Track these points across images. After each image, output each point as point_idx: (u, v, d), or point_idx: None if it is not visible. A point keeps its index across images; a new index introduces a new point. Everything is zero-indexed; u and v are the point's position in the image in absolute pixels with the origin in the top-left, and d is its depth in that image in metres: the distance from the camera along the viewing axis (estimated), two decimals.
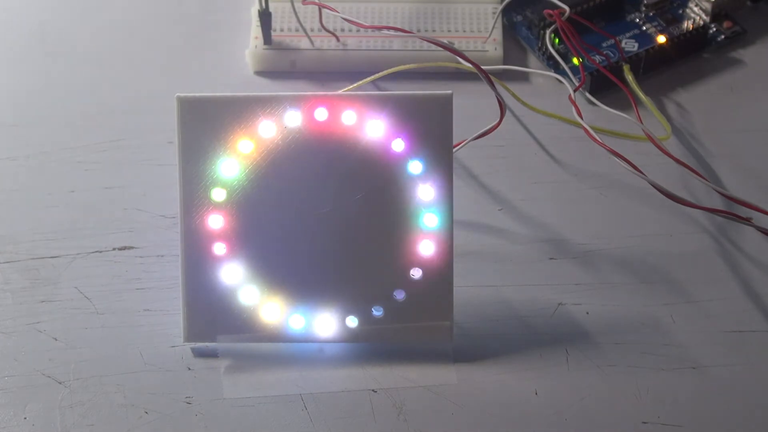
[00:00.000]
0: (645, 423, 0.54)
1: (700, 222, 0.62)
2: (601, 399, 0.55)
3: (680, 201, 0.56)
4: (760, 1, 0.72)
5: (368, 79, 0.67)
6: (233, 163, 0.55)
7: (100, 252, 0.61)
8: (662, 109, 0.67)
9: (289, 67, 0.69)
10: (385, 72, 0.67)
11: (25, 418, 0.55)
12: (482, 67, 0.57)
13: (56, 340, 0.57)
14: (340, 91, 0.65)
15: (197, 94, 0.55)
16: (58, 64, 0.70)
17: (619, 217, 0.61)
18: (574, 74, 0.67)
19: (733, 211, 0.58)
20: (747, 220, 0.57)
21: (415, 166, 0.55)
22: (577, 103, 0.62)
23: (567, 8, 0.67)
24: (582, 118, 0.60)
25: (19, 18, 0.73)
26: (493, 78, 0.58)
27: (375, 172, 0.55)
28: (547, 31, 0.68)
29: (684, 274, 0.59)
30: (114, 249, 0.61)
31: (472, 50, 0.68)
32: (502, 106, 0.59)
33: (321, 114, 0.55)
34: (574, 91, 0.63)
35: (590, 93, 0.67)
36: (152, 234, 0.61)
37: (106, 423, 0.54)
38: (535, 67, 0.69)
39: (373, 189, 0.55)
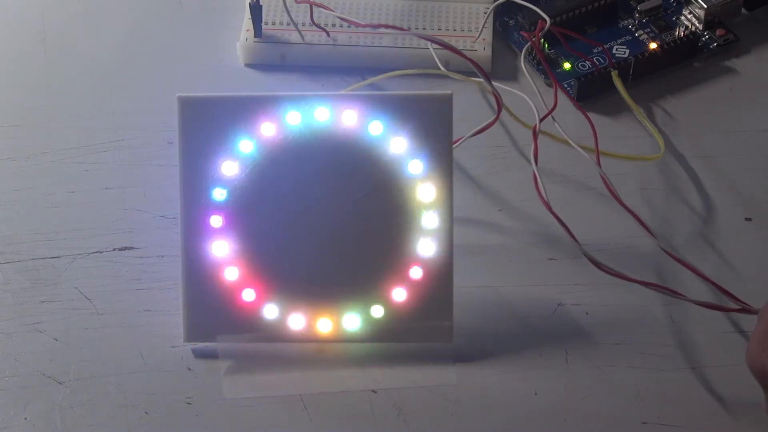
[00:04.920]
0: (645, 423, 0.54)
1: (696, 223, 0.62)
2: (601, 399, 0.55)
3: (612, 272, 0.56)
4: (755, 8, 0.71)
5: (363, 83, 0.67)
6: (234, 162, 0.55)
7: (101, 252, 0.61)
8: (651, 117, 0.66)
9: (280, 61, 0.69)
10: (381, 76, 0.67)
11: (25, 419, 0.55)
12: (458, 73, 0.57)
13: (56, 340, 0.57)
14: (340, 91, 0.65)
15: (198, 94, 0.55)
16: (59, 65, 0.70)
17: (619, 217, 0.61)
18: (565, 79, 0.68)
19: (667, 286, 0.57)
20: (680, 295, 0.57)
21: (415, 166, 0.55)
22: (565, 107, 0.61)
23: (548, 19, 0.65)
24: (536, 164, 0.58)
25: (19, 19, 0.73)
26: (481, 80, 0.58)
27: (375, 172, 0.55)
28: (536, 38, 0.67)
29: (684, 274, 0.59)
30: (114, 249, 0.61)
31: (460, 49, 0.68)
32: (499, 103, 0.59)
33: (321, 114, 0.55)
34: (541, 120, 0.61)
35: (578, 99, 0.67)
36: (152, 234, 0.61)
37: (106, 423, 0.54)
38: (522, 74, 0.68)
39: (373, 189, 0.55)
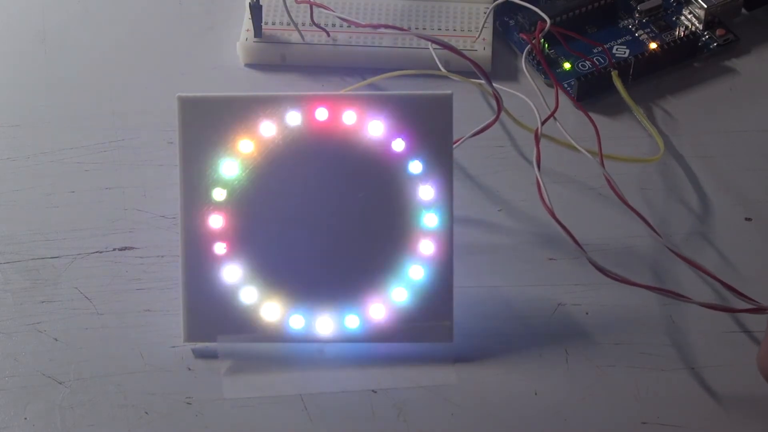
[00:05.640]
0: (644, 423, 0.54)
1: (696, 223, 0.62)
2: (600, 399, 0.55)
3: (618, 278, 0.55)
4: (755, 8, 0.71)
5: (363, 83, 0.67)
6: (234, 162, 0.55)
7: (101, 252, 0.61)
8: (651, 117, 0.66)
9: (280, 61, 0.69)
10: (381, 77, 0.67)
11: (25, 419, 0.55)
12: (458, 74, 0.56)
13: (57, 340, 0.57)
14: (340, 91, 0.65)
15: (198, 94, 0.55)
16: (59, 65, 0.70)
17: (620, 217, 0.61)
18: (565, 79, 0.67)
19: (673, 290, 0.57)
20: (685, 298, 0.56)
21: (415, 166, 0.55)
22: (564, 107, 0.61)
23: (548, 20, 0.65)
24: (539, 169, 0.57)
25: (19, 19, 0.73)
26: (480, 81, 0.57)
27: (375, 172, 0.55)
28: (537, 38, 0.67)
29: (685, 275, 0.59)
30: (114, 249, 0.61)
31: (460, 49, 0.68)
32: (499, 103, 0.59)
33: (321, 114, 0.55)
34: (542, 123, 0.61)
35: (578, 99, 0.67)
36: (152, 234, 0.61)
37: (106, 423, 0.54)
38: (522, 75, 0.68)
39: (373, 189, 0.55)
